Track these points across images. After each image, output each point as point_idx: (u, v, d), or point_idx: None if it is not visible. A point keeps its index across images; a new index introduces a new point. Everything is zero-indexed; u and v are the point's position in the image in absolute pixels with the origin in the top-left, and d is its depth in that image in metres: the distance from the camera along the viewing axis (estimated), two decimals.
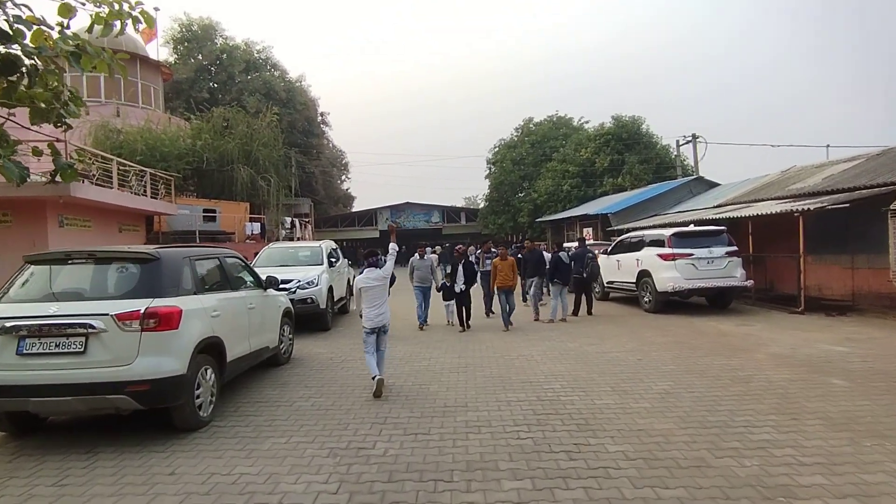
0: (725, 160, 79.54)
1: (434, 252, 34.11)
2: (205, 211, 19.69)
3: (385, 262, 6.30)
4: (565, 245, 14.45)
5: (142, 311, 4.38)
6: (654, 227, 15.27)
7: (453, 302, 10.61)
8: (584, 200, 30.35)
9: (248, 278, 6.79)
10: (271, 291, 7.21)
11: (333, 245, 13.61)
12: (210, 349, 5.12)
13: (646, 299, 12.05)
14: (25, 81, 4.33)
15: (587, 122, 37.85)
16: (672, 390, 5.73)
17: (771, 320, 10.42)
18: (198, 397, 4.81)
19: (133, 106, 22.26)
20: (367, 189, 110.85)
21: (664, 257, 11.45)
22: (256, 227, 20.51)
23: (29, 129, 5.76)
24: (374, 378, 5.84)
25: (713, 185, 22.52)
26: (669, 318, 10.91)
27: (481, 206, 41.36)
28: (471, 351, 8.25)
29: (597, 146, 30.70)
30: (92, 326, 4.27)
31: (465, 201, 63.37)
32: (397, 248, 6.42)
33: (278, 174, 22.32)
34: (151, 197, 15.97)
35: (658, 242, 11.96)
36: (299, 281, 10.29)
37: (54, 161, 4.94)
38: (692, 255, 11.19)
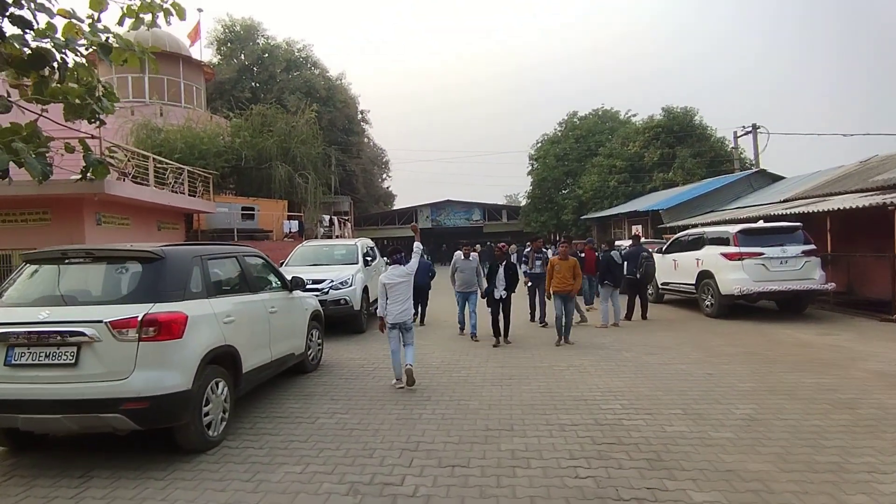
0: (787, 153, 74.78)
1: (474, 250, 33.31)
2: (243, 209, 19.59)
3: (410, 260, 6.52)
4: (617, 243, 13.44)
5: (139, 318, 3.83)
6: (715, 223, 14.02)
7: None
8: (631, 197, 28.94)
9: (272, 279, 6.24)
10: (298, 293, 6.65)
11: (370, 243, 13.07)
12: (222, 360, 4.56)
13: (707, 303, 10.94)
14: (56, 76, 4.30)
15: (634, 116, 36.28)
16: (758, 416, 4.79)
17: (859, 329, 9.16)
18: (206, 415, 4.24)
19: (176, 105, 22.48)
20: (407, 186, 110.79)
21: (729, 256, 10.31)
22: (294, 225, 20.28)
23: (65, 126, 5.56)
24: (396, 380, 6.28)
25: (777, 178, 20.85)
26: (735, 325, 9.79)
27: (523, 203, 40.23)
28: (514, 360, 7.47)
29: (646, 139, 29.19)
30: (84, 335, 3.75)
31: (506, 199, 62.29)
32: (421, 247, 6.78)
33: (316, 171, 22.05)
34: (189, 195, 15.89)
35: (721, 240, 10.83)
36: (332, 281, 9.76)
37: (84, 157, 4.86)
38: (762, 254, 10.01)
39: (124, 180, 14.97)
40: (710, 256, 10.88)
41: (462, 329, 9.78)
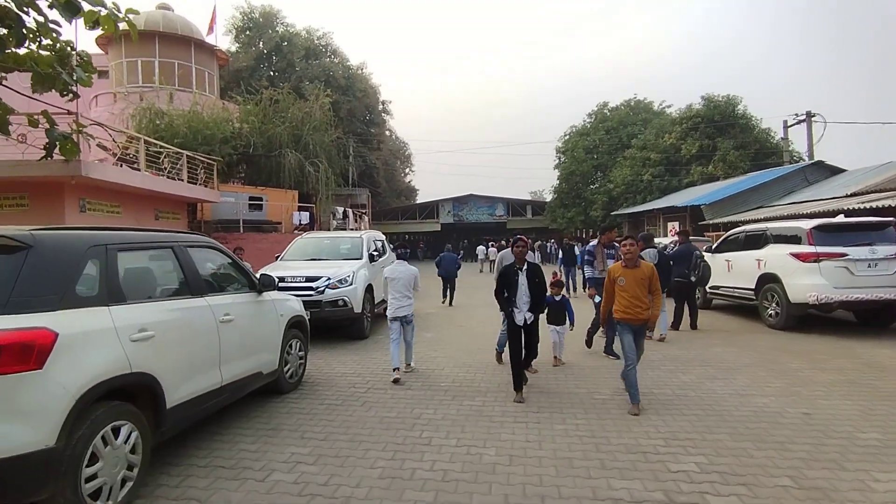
0: (836, 146, 70.57)
1: (494, 245, 31.93)
2: (250, 199, 18.47)
3: (413, 268, 6.58)
4: (657, 241, 11.81)
5: None
6: (772, 219, 12.23)
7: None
8: (666, 192, 27.05)
9: (231, 278, 4.87)
10: (271, 296, 5.27)
11: (379, 236, 11.69)
12: (128, 393, 3.21)
13: (770, 311, 9.24)
14: (12, 40, 3.92)
15: (669, 107, 34.25)
16: None
17: None
18: (92, 478, 2.87)
19: (187, 91, 21.47)
20: (430, 180, 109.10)
21: (802, 257, 8.59)
22: (305, 217, 19.06)
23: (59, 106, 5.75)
24: (394, 370, 6.16)
25: (837, 170, 18.80)
26: (811, 340, 8.09)
27: (549, 198, 38.47)
28: (543, 382, 5.97)
29: (683, 131, 27.22)
30: None
31: (530, 195, 60.34)
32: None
33: (330, 160, 20.78)
34: (190, 182, 14.75)
35: (790, 238, 9.11)
36: (329, 279, 8.39)
37: (47, 132, 4.50)
38: (845, 255, 8.27)
39: (121, 165, 13.94)
40: (775, 257, 9.17)
41: (502, 355, 6.79)
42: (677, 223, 21.93)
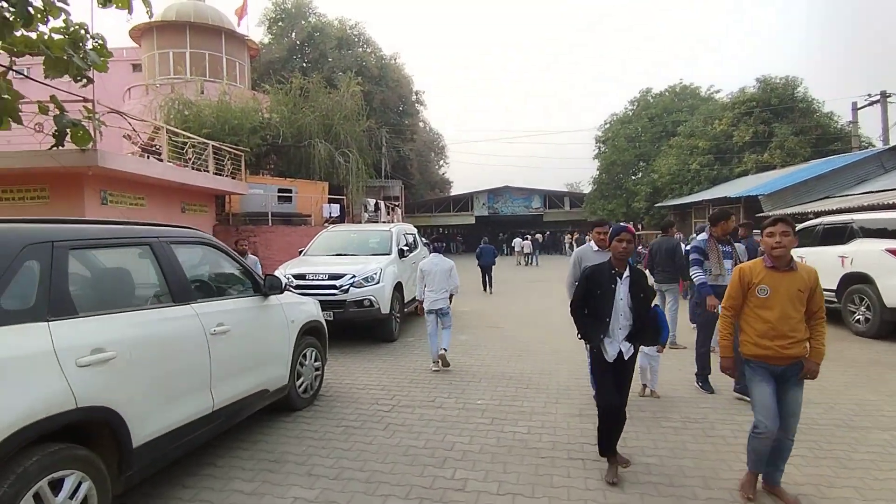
0: None
1: (528, 238, 30.82)
2: (279, 191, 17.96)
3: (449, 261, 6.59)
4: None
5: None
6: (855, 210, 10.81)
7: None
8: (716, 182, 25.32)
9: (230, 280, 4.13)
10: (279, 299, 4.52)
11: (410, 230, 10.90)
12: (78, 433, 2.48)
13: (858, 317, 8.02)
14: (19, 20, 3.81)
15: (717, 92, 32.19)
16: None
17: None
18: None
19: (217, 82, 21.17)
20: (464, 173, 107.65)
21: None
22: (335, 209, 18.46)
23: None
24: (434, 360, 6.30)
25: None
26: None
27: (588, 190, 36.97)
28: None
29: (735, 116, 25.37)
30: None
31: (566, 187, 58.55)
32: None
33: (361, 151, 20.11)
34: (216, 174, 14.30)
35: (885, 232, 7.86)
36: (354, 276, 7.63)
37: (55, 119, 4.39)
38: None
39: (147, 156, 13.58)
40: (866, 253, 7.93)
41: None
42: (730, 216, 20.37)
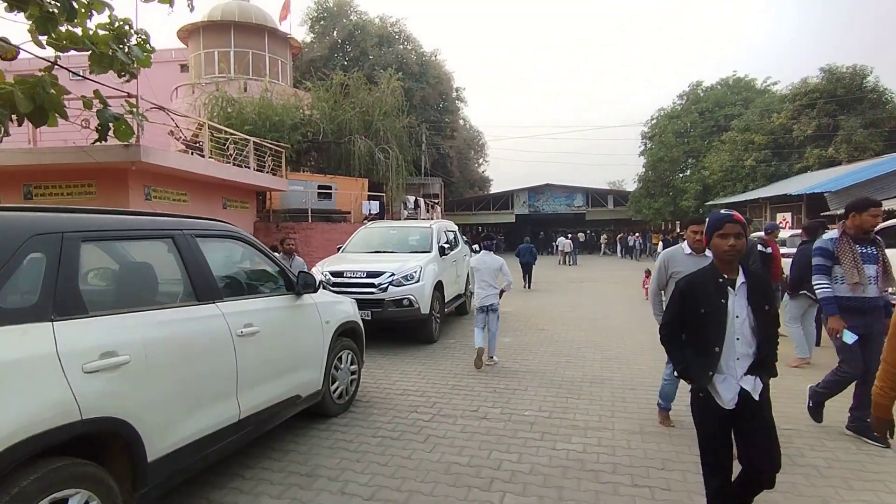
0: None
1: (570, 237, 29.68)
2: (319, 187, 17.93)
3: (499, 258, 6.54)
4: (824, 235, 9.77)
5: None
6: None
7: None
8: (773, 179, 23.97)
9: (261, 277, 3.85)
10: (313, 298, 4.21)
11: (451, 227, 10.53)
12: (86, 446, 2.21)
13: None
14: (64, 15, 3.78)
15: (775, 84, 30.51)
16: None
17: None
18: None
19: (261, 80, 21.38)
20: (504, 169, 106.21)
21: None
22: (375, 206, 18.31)
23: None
24: (477, 348, 6.16)
25: None
26: None
27: (634, 188, 35.74)
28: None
29: (795, 109, 23.91)
30: None
31: (608, 185, 56.96)
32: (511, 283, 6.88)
33: (401, 147, 19.89)
34: (257, 170, 14.32)
35: None
36: (393, 274, 7.31)
37: (98, 114, 4.35)
38: None
39: (191, 153, 13.71)
40: None
41: (668, 416, 4.49)
42: (788, 214, 19.17)
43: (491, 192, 48.51)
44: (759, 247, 6.95)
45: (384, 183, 18.44)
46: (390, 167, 17.96)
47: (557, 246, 28.93)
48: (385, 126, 19.05)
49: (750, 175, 24.56)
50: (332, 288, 7.38)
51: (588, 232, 41.03)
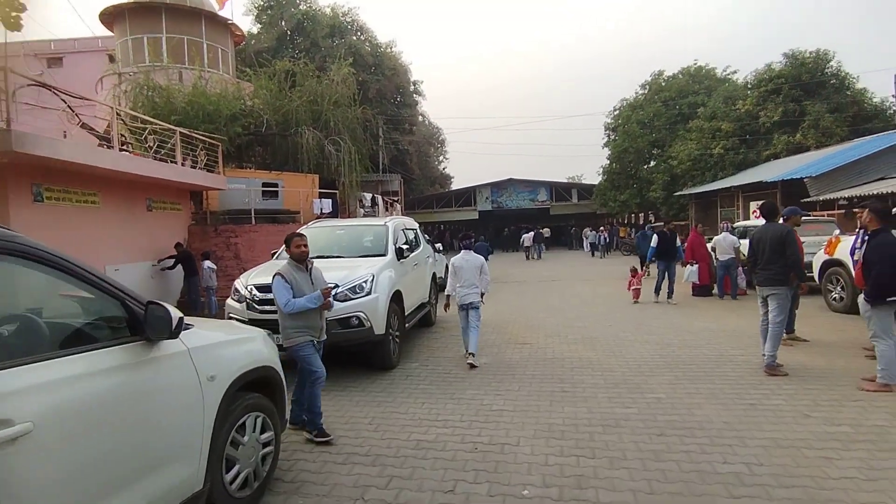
0: None
1: (533, 231, 29.18)
2: (264, 185, 16.07)
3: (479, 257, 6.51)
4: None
5: None
6: None
7: None
8: (741, 167, 23.41)
9: (84, 312, 2.24)
10: (189, 340, 2.61)
11: (411, 224, 9.02)
12: None
13: None
14: None
15: (734, 73, 30.19)
16: None
17: None
18: None
19: (197, 70, 19.24)
20: (465, 168, 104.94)
21: None
22: (327, 205, 16.54)
23: None
24: (466, 353, 6.27)
25: None
26: None
27: (597, 181, 35.00)
28: None
29: (761, 95, 23.38)
30: None
31: (566, 180, 56.27)
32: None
33: (354, 139, 18.17)
34: (191, 166, 12.41)
35: None
36: (337, 286, 5.71)
37: None
38: None
39: (108, 146, 11.68)
40: None
41: None
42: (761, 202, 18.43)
43: (452, 189, 47.15)
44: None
45: (337, 179, 16.68)
46: (343, 161, 16.22)
47: (523, 242, 29.22)
48: (336, 117, 17.29)
49: (718, 163, 23.97)
50: (258, 307, 5.75)
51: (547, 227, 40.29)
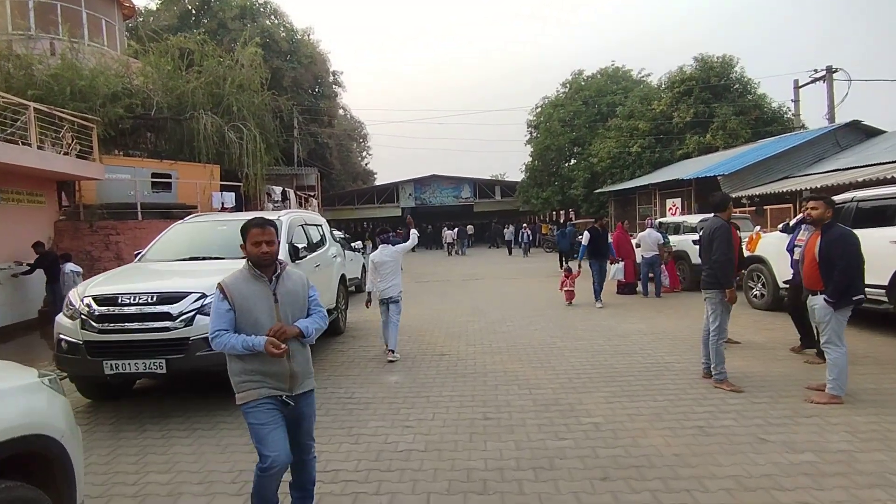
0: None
1: (454, 228, 29.48)
2: (154, 175, 14.15)
3: (399, 242, 6.60)
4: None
5: None
6: (835, 188, 9.03)
7: None
8: (658, 165, 24.02)
9: None
10: None
11: (315, 219, 7.90)
12: None
13: None
14: None
15: (648, 76, 31.25)
16: None
17: None
18: None
19: (76, 43, 16.72)
20: (389, 165, 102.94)
21: None
22: (230, 199, 14.89)
23: None
24: (386, 350, 6.28)
25: (875, 132, 16.01)
26: None
27: (521, 178, 35.06)
28: None
29: (675, 96, 24.11)
30: None
31: (489, 177, 56.42)
32: (417, 234, 6.89)
33: (263, 127, 16.55)
34: (41, 148, 10.42)
35: None
36: (203, 296, 4.48)
37: None
38: None
39: None
40: None
41: None
42: (678, 199, 18.88)
43: (374, 185, 45.78)
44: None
45: (240, 170, 14.98)
46: (246, 150, 14.56)
47: (445, 239, 29.93)
48: (241, 102, 15.57)
49: (636, 161, 24.47)
50: (96, 324, 4.42)
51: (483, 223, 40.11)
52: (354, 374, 5.77)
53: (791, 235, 6.02)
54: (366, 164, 57.29)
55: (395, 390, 5.09)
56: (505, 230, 28.90)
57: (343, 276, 8.39)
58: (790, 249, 5.89)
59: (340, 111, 46.21)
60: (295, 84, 31.22)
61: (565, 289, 10.06)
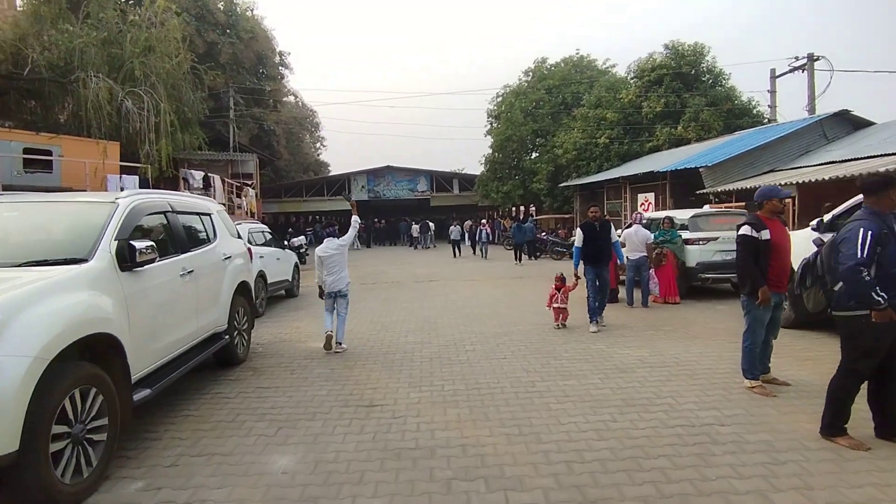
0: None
1: (417, 223, 27.98)
2: (27, 151, 11.34)
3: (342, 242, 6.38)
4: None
5: None
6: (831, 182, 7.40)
7: None
8: (627, 158, 22.62)
9: None
10: None
11: (186, 206, 5.49)
12: None
13: None
14: None
15: (614, 66, 29.93)
16: None
17: None
18: None
19: None
20: (344, 153, 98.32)
21: None
22: (131, 182, 12.19)
23: None
24: (326, 333, 6.11)
25: (864, 123, 14.85)
26: None
27: (480, 171, 33.21)
28: None
29: (644, 85, 22.73)
30: None
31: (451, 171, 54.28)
32: (359, 220, 6.66)
33: (180, 99, 13.89)
34: None
35: None
36: None
37: None
38: None
39: None
40: None
41: None
42: (651, 194, 17.38)
43: (324, 176, 43.00)
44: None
45: (140, 148, 12.23)
46: (149, 124, 11.87)
47: (412, 234, 30.62)
48: (148, 67, 12.85)
49: (604, 154, 22.98)
50: None
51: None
52: (223, 450, 3.57)
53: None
54: (318, 156, 54.24)
55: (276, 497, 2.93)
56: (454, 228, 23.45)
57: (244, 284, 6.10)
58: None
59: (291, 98, 43.13)
60: (233, 61, 28.22)
61: (555, 305, 7.28)
